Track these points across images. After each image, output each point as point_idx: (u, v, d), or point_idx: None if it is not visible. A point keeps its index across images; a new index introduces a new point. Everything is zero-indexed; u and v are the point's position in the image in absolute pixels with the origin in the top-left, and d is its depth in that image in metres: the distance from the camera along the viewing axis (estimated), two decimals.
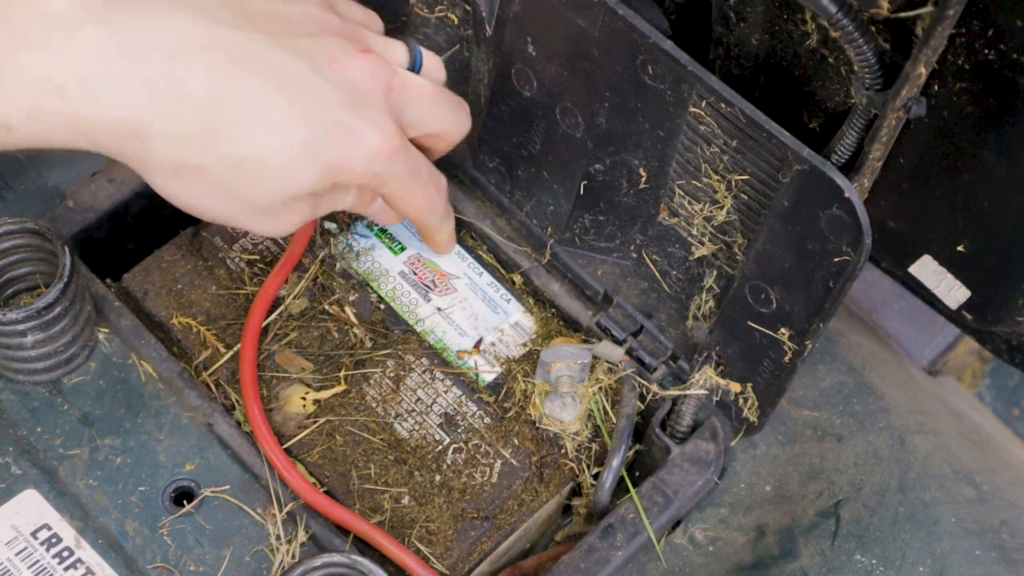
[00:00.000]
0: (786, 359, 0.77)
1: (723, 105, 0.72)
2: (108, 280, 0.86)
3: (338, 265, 0.88)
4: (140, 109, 0.68)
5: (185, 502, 0.78)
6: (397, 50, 0.81)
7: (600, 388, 0.84)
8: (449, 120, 0.81)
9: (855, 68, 0.69)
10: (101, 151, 0.70)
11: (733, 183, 0.76)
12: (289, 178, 0.72)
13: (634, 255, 0.88)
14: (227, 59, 0.70)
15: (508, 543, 0.81)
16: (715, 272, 0.82)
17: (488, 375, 0.86)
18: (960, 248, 0.77)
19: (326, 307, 0.87)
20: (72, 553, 0.76)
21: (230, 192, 0.72)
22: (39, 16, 0.66)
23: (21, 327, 0.77)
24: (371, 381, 0.84)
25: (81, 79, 0.66)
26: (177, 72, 0.68)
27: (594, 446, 0.83)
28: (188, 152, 0.70)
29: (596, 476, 0.82)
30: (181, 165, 0.70)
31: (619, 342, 0.86)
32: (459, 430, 0.83)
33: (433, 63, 0.84)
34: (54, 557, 0.75)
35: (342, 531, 0.78)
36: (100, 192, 0.89)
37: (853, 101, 0.71)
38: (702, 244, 0.82)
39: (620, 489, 0.82)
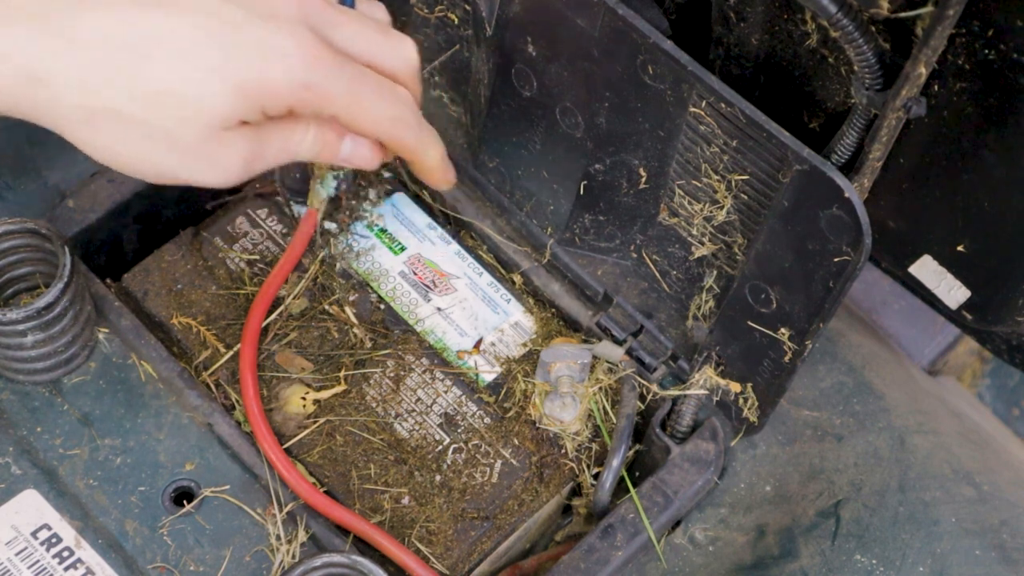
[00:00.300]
0: (786, 359, 0.77)
1: (723, 105, 0.72)
2: (108, 280, 0.86)
3: (338, 265, 0.88)
4: (39, 53, 0.66)
5: (185, 502, 0.78)
6: None
7: (600, 388, 0.84)
8: (387, 50, 0.75)
9: (855, 68, 0.69)
10: (14, 109, 0.68)
11: (733, 183, 0.76)
12: (203, 105, 0.67)
13: (634, 255, 0.88)
14: None
15: (508, 543, 0.81)
16: (715, 272, 0.82)
17: (488, 375, 0.86)
18: (960, 248, 0.77)
19: (326, 307, 0.87)
20: (72, 553, 0.76)
21: (147, 133, 0.68)
22: None
23: (21, 327, 0.77)
24: (371, 381, 0.84)
25: None
26: (76, 12, 0.66)
27: (594, 446, 0.83)
28: (95, 95, 0.67)
29: (596, 476, 0.82)
30: (93, 110, 0.67)
31: (619, 342, 0.86)
32: (459, 430, 0.83)
33: (371, 6, 0.78)
34: (54, 557, 0.75)
35: (342, 531, 0.78)
36: (100, 192, 0.89)
37: (853, 101, 0.71)
38: (702, 244, 0.82)
39: (620, 489, 0.82)
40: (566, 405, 0.82)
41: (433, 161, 0.79)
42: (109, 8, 0.67)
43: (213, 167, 0.70)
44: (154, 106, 0.68)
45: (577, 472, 0.83)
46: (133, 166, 0.70)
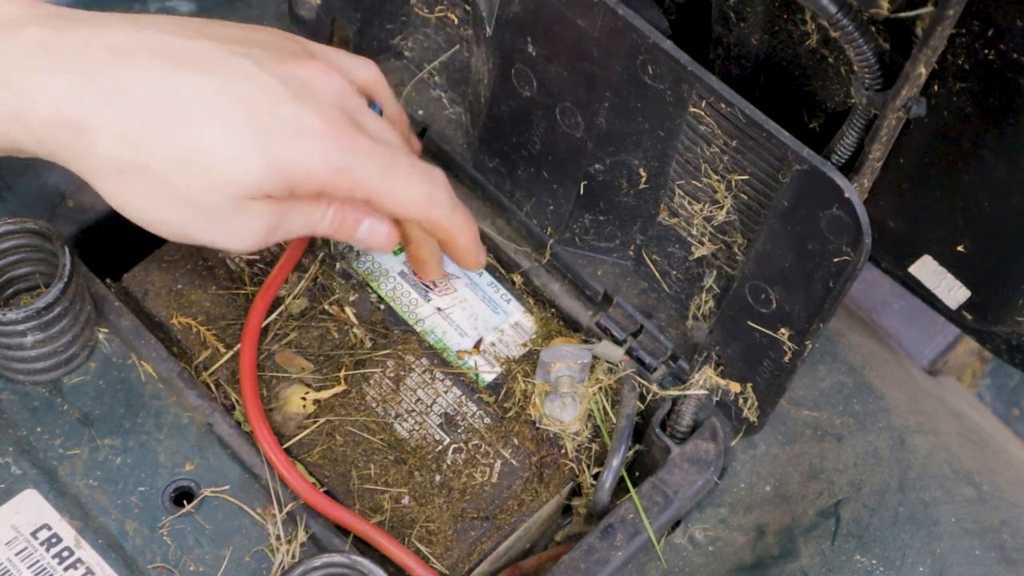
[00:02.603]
0: (786, 359, 0.77)
1: (723, 105, 0.72)
2: (108, 280, 0.86)
3: (338, 265, 0.88)
4: (80, 102, 0.67)
5: (185, 502, 0.78)
6: (369, 67, 0.79)
7: (600, 388, 0.84)
8: (416, 159, 0.77)
9: (855, 68, 0.69)
10: (45, 152, 0.69)
11: (733, 183, 0.76)
12: (235, 173, 0.69)
13: (634, 255, 0.88)
14: (170, 59, 0.69)
15: (508, 543, 0.81)
16: (715, 272, 0.82)
17: (488, 375, 0.86)
18: (960, 248, 0.77)
19: (326, 307, 0.87)
20: (72, 553, 0.76)
21: (176, 195, 0.69)
22: None
23: (21, 327, 0.77)
24: (371, 381, 0.84)
25: (23, 69, 0.67)
26: (119, 67, 0.68)
27: (594, 446, 0.83)
28: (130, 149, 0.68)
29: (596, 476, 0.82)
30: (124, 164, 0.69)
31: (619, 342, 0.86)
32: (459, 430, 0.83)
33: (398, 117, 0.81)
34: (54, 557, 0.75)
35: (342, 531, 0.78)
36: None
37: (853, 101, 0.71)
38: (702, 244, 0.82)
39: (620, 489, 0.82)
40: (566, 405, 0.82)
41: (466, 242, 0.80)
42: (152, 67, 0.68)
43: (233, 235, 0.72)
44: (184, 169, 0.69)
45: (577, 472, 0.83)
46: (154, 223, 0.71)
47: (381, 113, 0.81)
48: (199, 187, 0.69)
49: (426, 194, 0.76)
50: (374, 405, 0.83)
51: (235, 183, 0.69)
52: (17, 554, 0.75)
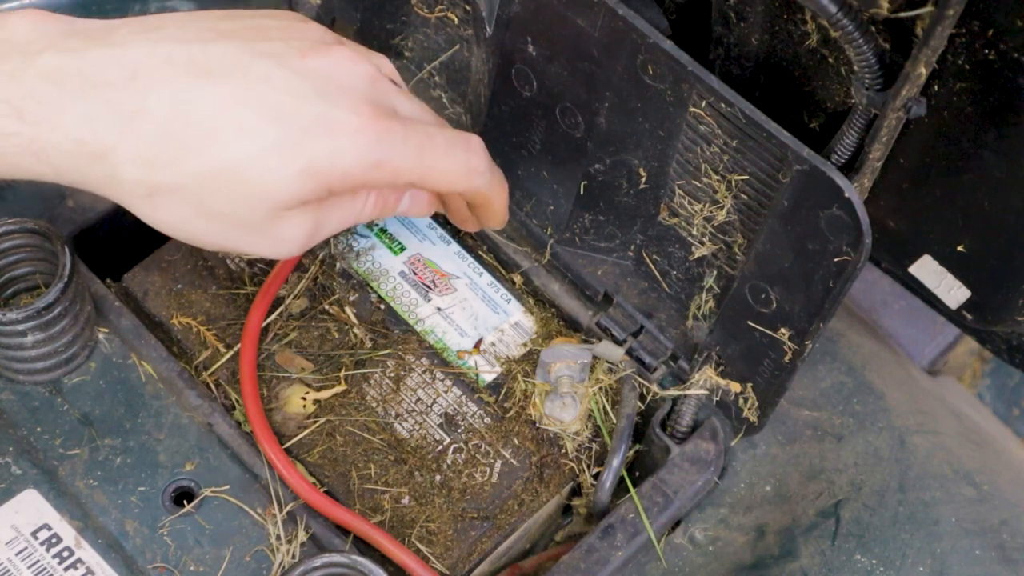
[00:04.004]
0: (786, 359, 0.77)
1: (723, 105, 0.72)
2: (108, 280, 0.86)
3: (338, 265, 0.88)
4: (101, 130, 0.65)
5: (185, 502, 0.78)
6: (384, 61, 0.76)
7: (600, 388, 0.84)
8: (450, 131, 0.74)
9: (855, 68, 0.69)
10: (66, 180, 0.67)
11: (733, 183, 0.76)
12: (269, 186, 0.67)
13: (634, 255, 0.88)
14: (189, 71, 0.66)
15: (508, 543, 0.81)
16: (715, 272, 0.82)
17: (488, 375, 0.86)
18: (960, 248, 0.77)
19: (326, 307, 0.87)
20: (72, 553, 0.76)
21: (210, 209, 0.67)
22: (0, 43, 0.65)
23: (21, 327, 0.77)
24: (371, 381, 0.84)
25: (40, 101, 0.64)
26: (138, 89, 0.65)
27: (594, 446, 0.83)
28: (156, 172, 0.66)
29: (596, 476, 0.82)
30: (154, 186, 0.66)
31: (619, 342, 0.86)
32: (459, 430, 0.83)
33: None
34: (54, 557, 0.75)
35: (342, 531, 0.78)
36: None
37: (853, 101, 0.71)
38: (702, 244, 0.82)
39: (620, 489, 0.82)
40: (566, 405, 0.82)
41: (500, 205, 0.79)
42: (173, 84, 0.66)
43: (275, 243, 0.70)
44: (215, 186, 0.67)
45: (577, 472, 0.83)
46: (194, 239, 0.70)
47: None
48: (234, 202, 0.67)
49: (465, 166, 0.73)
50: (374, 405, 0.83)
51: (270, 195, 0.67)
52: (17, 554, 0.75)
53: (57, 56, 0.65)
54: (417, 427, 0.83)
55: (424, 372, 0.85)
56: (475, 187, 0.75)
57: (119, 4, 0.98)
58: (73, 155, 0.65)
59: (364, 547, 0.78)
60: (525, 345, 0.87)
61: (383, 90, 0.71)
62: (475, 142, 0.74)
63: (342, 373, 0.84)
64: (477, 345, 0.87)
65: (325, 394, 0.83)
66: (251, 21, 0.71)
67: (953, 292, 0.80)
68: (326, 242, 0.89)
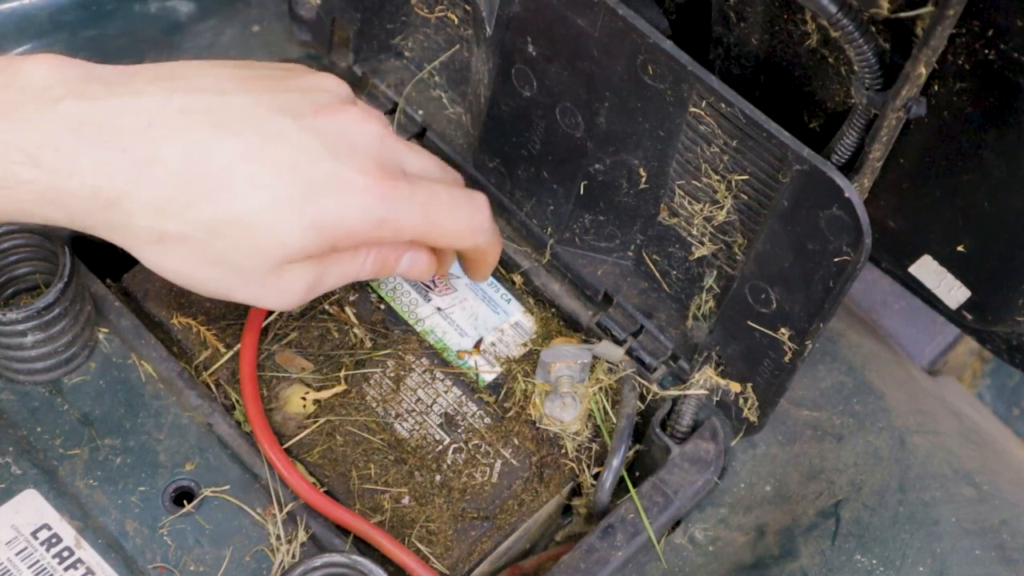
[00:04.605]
0: (786, 359, 0.77)
1: (723, 105, 0.72)
2: (108, 280, 0.86)
3: None
4: (116, 178, 0.66)
5: (185, 502, 0.78)
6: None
7: (600, 388, 0.84)
8: (456, 189, 0.76)
9: (855, 68, 0.69)
10: (79, 225, 0.68)
11: (733, 183, 0.76)
12: (276, 239, 0.69)
13: (634, 255, 0.88)
14: (203, 122, 0.68)
15: (508, 543, 0.81)
16: (715, 272, 0.82)
17: (488, 375, 0.86)
18: (960, 248, 0.77)
19: (326, 307, 0.87)
20: (72, 553, 0.76)
21: (217, 259, 0.69)
22: (18, 89, 0.66)
23: (21, 327, 0.77)
24: (371, 381, 0.84)
25: (56, 148, 0.65)
26: (154, 138, 0.67)
27: (594, 446, 0.83)
28: (167, 219, 0.68)
29: (596, 476, 0.82)
30: (163, 234, 0.68)
31: (619, 342, 0.86)
32: (459, 430, 0.83)
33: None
34: (54, 557, 0.75)
35: (342, 531, 0.78)
36: None
37: (853, 101, 0.71)
38: (702, 244, 0.82)
39: (620, 489, 0.82)
40: (566, 405, 0.82)
41: (494, 261, 0.82)
42: (188, 135, 0.67)
43: (276, 295, 0.72)
44: (223, 236, 0.68)
45: (577, 472, 0.83)
46: (198, 286, 0.71)
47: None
48: (239, 253, 0.69)
49: (469, 224, 0.76)
50: (374, 405, 0.83)
51: (277, 247, 0.69)
52: (17, 554, 0.75)
53: (76, 103, 0.66)
54: (417, 427, 0.83)
55: (424, 372, 0.85)
56: (477, 244, 0.78)
57: (119, 4, 0.98)
58: (89, 202, 0.67)
59: (364, 547, 0.78)
60: (525, 345, 0.87)
61: (391, 147, 0.74)
62: (480, 200, 0.77)
63: (342, 373, 0.84)
64: (477, 345, 0.87)
65: (325, 394, 0.83)
66: (266, 71, 0.73)
67: (953, 292, 0.80)
68: None
